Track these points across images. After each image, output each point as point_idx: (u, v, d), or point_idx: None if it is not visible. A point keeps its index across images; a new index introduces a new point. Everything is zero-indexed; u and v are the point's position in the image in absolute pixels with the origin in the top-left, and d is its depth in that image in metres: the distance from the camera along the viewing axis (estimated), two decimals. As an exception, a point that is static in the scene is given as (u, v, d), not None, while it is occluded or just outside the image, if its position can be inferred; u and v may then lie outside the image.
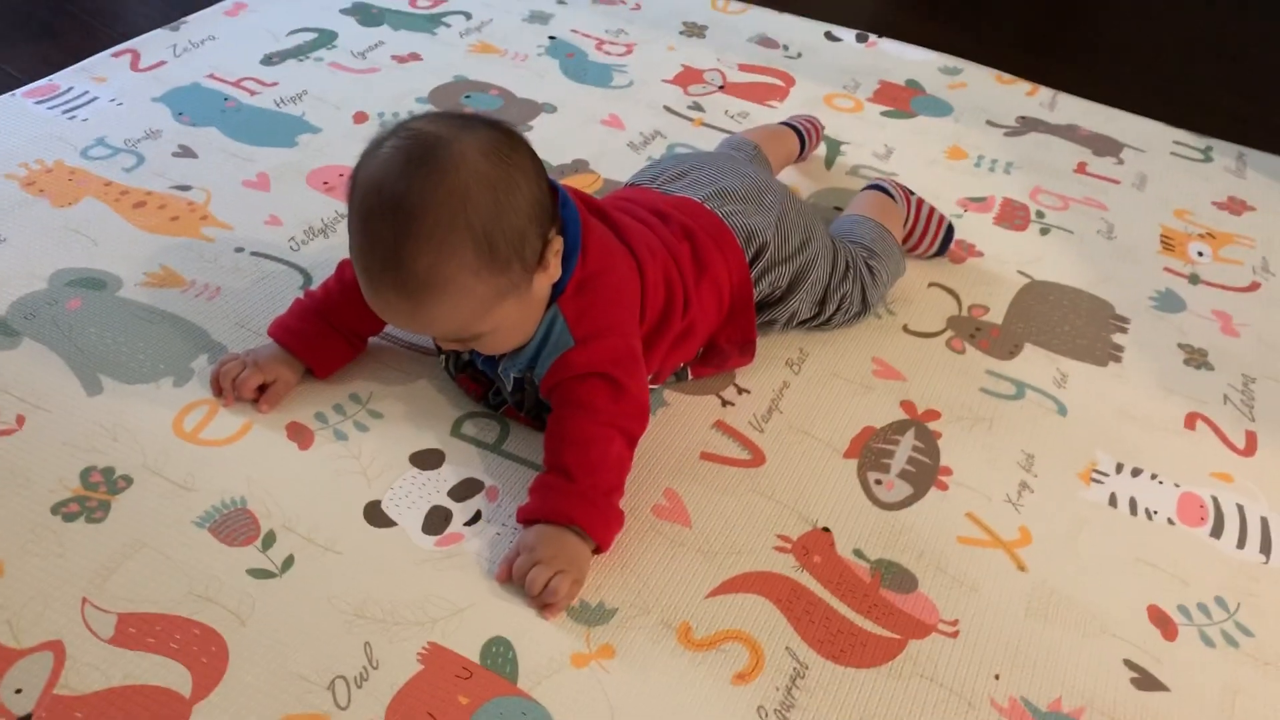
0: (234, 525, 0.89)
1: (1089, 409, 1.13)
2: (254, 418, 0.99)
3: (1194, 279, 1.36)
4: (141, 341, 1.05)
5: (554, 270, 0.91)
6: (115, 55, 1.52)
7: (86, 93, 1.43)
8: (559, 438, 0.92)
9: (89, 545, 0.86)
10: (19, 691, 0.76)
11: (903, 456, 1.05)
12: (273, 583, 0.85)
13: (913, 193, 1.32)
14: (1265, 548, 1.01)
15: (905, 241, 1.27)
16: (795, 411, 1.08)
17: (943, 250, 1.31)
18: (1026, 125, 1.64)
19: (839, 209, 1.33)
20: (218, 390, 1.00)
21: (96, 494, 0.90)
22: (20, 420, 0.96)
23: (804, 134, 1.43)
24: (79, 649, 0.79)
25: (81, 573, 0.84)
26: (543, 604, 0.85)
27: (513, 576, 0.87)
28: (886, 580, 0.93)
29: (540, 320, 0.93)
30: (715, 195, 1.10)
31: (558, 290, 0.93)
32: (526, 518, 0.90)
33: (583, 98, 1.57)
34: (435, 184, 0.83)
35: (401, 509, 0.93)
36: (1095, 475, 1.06)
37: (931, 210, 1.31)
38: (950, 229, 1.31)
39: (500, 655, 0.82)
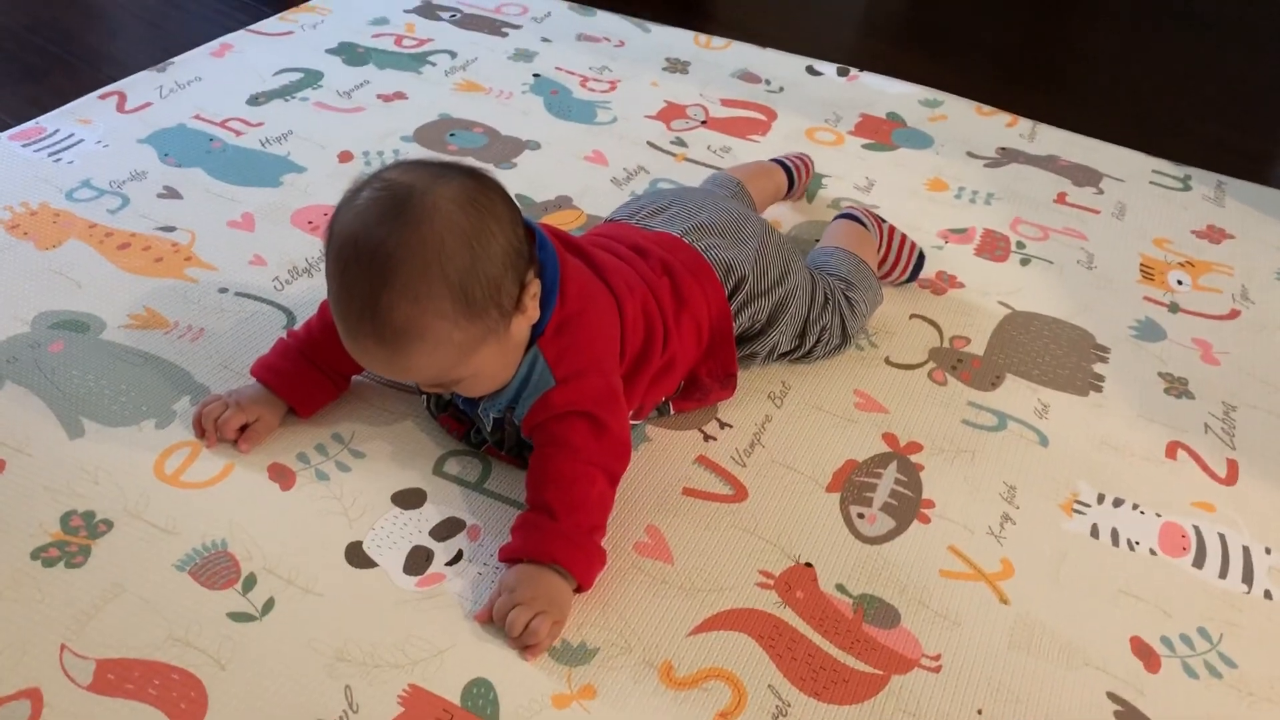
0: (215, 568, 0.89)
1: (1070, 439, 1.14)
2: (236, 459, 0.99)
3: (1174, 308, 1.37)
4: (124, 384, 1.05)
5: (532, 313, 0.91)
6: (101, 97, 1.53)
7: (72, 135, 1.44)
8: (541, 476, 0.92)
9: (68, 590, 0.86)
10: (-5, 740, 0.76)
11: (885, 489, 1.05)
12: (253, 626, 0.85)
13: (884, 220, 1.33)
14: (1248, 577, 1.01)
15: (879, 268, 1.28)
16: (777, 445, 1.09)
17: (914, 276, 1.32)
18: (1007, 156, 1.66)
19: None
20: (200, 431, 1.00)
21: (77, 538, 0.90)
22: (1, 465, 0.96)
23: (793, 171, 1.44)
24: (57, 696, 0.78)
25: (60, 618, 0.84)
26: (523, 645, 0.85)
27: (493, 617, 0.87)
28: (869, 615, 0.93)
29: (520, 362, 0.93)
30: (694, 230, 1.10)
31: (537, 331, 0.93)
32: (508, 557, 0.90)
33: (566, 134, 1.58)
34: (410, 235, 0.83)
35: (383, 549, 0.93)
36: (1077, 506, 1.06)
37: (904, 237, 1.32)
38: (921, 255, 1.32)
39: (481, 697, 0.82)
